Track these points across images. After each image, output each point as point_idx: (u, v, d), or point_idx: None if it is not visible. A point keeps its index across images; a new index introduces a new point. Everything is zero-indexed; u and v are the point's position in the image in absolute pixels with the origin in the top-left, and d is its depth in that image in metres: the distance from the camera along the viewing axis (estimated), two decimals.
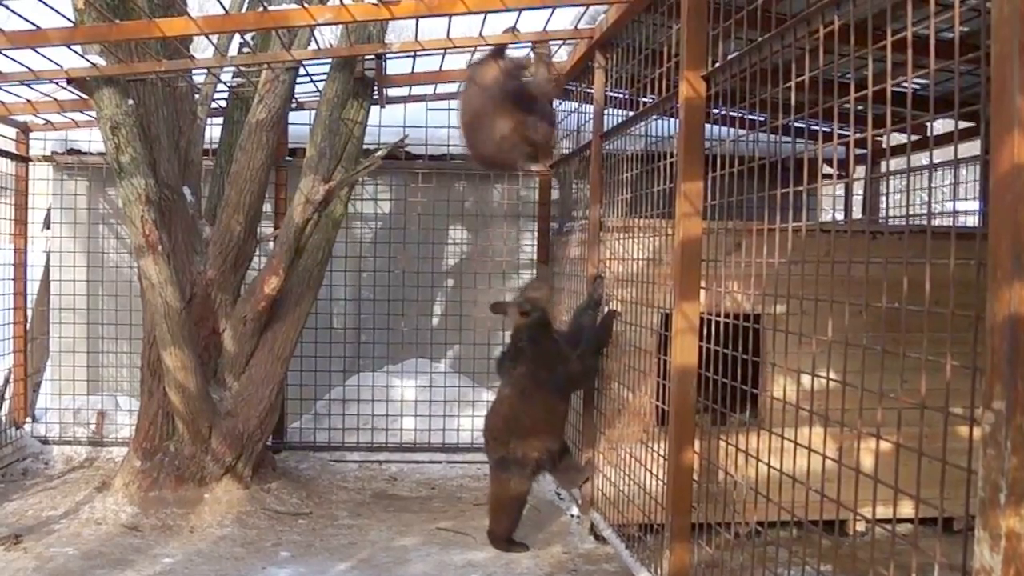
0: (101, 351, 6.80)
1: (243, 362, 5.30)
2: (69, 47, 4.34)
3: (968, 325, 1.83)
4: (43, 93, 5.49)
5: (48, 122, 6.27)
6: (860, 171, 7.71)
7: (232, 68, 5.37)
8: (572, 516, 5.20)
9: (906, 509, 3.63)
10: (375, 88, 5.48)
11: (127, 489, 5.14)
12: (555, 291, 5.05)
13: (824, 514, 2.68)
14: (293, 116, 6.07)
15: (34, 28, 4.03)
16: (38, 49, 4.32)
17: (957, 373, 1.95)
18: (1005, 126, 1.64)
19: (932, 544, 2.16)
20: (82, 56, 4.43)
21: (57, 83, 4.98)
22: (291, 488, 5.47)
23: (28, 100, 5.61)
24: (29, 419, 6.56)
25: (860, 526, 4.67)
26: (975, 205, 6.81)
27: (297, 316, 5.33)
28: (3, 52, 4.32)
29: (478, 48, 5.07)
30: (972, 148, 6.74)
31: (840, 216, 7.87)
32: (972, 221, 6.87)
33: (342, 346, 6.75)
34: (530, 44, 5.01)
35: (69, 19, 4.15)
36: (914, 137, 6.61)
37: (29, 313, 6.68)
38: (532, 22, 4.78)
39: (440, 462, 6.45)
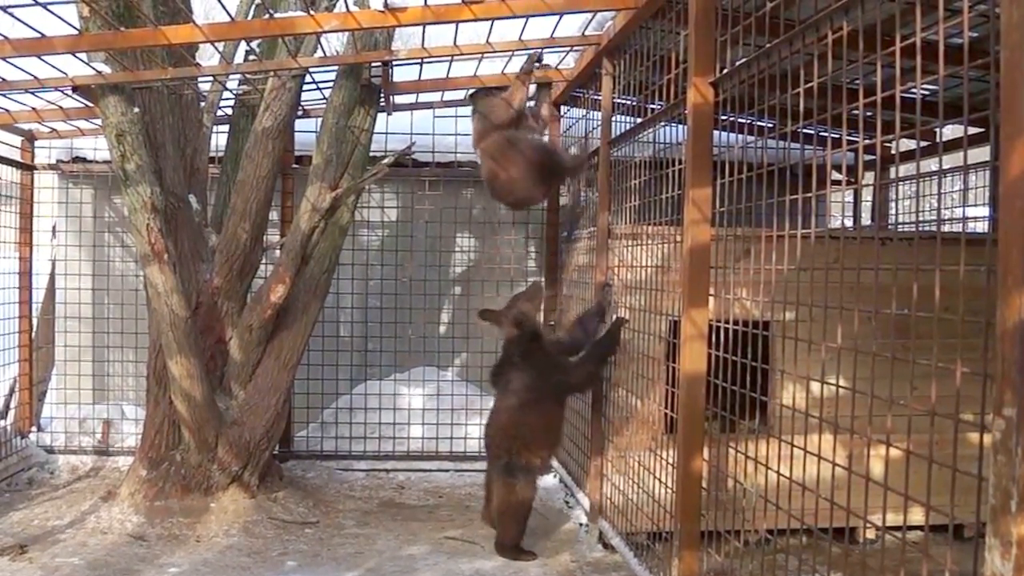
0: (107, 360, 6.80)
1: (249, 371, 5.30)
2: (74, 55, 4.35)
3: (978, 331, 1.83)
4: (48, 101, 5.50)
5: (53, 130, 6.27)
6: (869, 177, 7.68)
7: (238, 75, 5.39)
8: (580, 525, 5.18)
9: (916, 516, 3.61)
10: (382, 95, 5.48)
11: (133, 498, 5.14)
12: (545, 303, 5.09)
13: (834, 521, 2.67)
14: (299, 123, 6.08)
15: (39, 36, 4.03)
16: (43, 57, 4.31)
17: (967, 380, 1.95)
18: (1015, 132, 1.65)
19: (943, 551, 2.15)
20: (87, 64, 4.43)
21: (62, 91, 4.98)
22: (298, 497, 5.46)
23: (33, 108, 5.60)
24: (34, 428, 6.55)
25: (870, 533, 4.65)
26: (985, 211, 6.78)
27: (304, 324, 5.32)
28: (8, 60, 4.31)
29: (485, 55, 5.08)
30: (982, 154, 6.72)
31: (849, 222, 7.85)
32: (982, 227, 6.84)
33: (349, 354, 6.74)
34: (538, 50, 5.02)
35: (74, 27, 4.15)
36: (923, 143, 6.59)
37: (34, 322, 6.69)
38: (539, 29, 4.78)
39: (448, 470, 6.43)
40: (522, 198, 5.09)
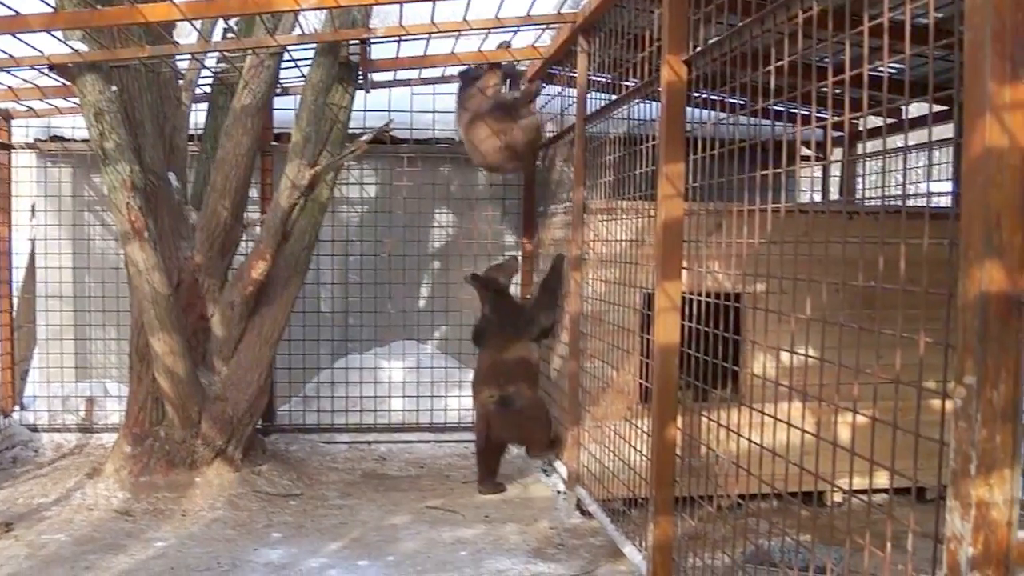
0: (89, 338, 6.80)
1: (232, 346, 5.32)
2: (50, 33, 4.30)
3: (941, 303, 1.88)
4: (24, 80, 5.44)
5: (30, 109, 6.21)
6: (837, 153, 7.79)
7: (216, 54, 5.36)
8: (558, 492, 5.29)
9: (881, 480, 3.73)
10: (360, 73, 5.49)
11: (118, 475, 5.18)
12: (516, 272, 5.98)
13: (803, 486, 2.75)
14: (278, 101, 6.07)
15: (14, 13, 4.00)
16: (18, 35, 4.27)
17: (930, 349, 1.99)
18: (977, 110, 1.69)
19: (906, 513, 2.22)
20: (64, 42, 4.39)
21: (39, 69, 4.94)
22: (281, 470, 5.52)
23: (9, 87, 5.56)
24: (17, 407, 6.56)
25: (837, 497, 4.78)
26: (948, 186, 6.89)
27: (285, 300, 5.35)
28: None
29: (462, 32, 5.10)
30: (946, 131, 6.81)
31: (818, 197, 7.96)
32: (945, 202, 6.96)
33: (330, 329, 6.80)
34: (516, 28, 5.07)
35: (50, 4, 4.12)
36: (890, 120, 6.69)
37: (15, 301, 6.66)
38: (516, 7, 4.81)
39: (428, 441, 6.52)
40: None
